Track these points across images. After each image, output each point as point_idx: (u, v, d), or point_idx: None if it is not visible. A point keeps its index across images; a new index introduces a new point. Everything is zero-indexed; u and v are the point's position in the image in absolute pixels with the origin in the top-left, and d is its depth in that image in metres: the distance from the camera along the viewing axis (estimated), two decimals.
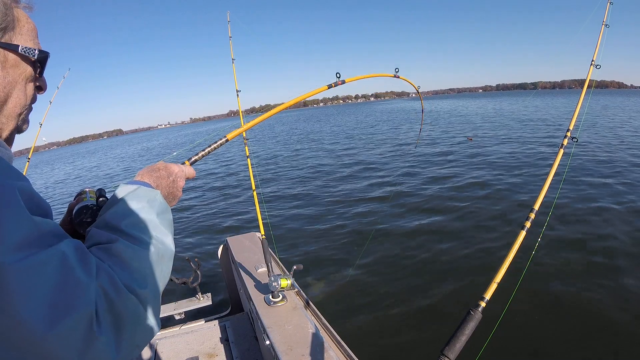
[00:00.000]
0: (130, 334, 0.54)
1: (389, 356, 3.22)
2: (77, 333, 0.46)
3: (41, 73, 0.69)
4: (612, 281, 3.98)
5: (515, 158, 10.59)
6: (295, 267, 2.19)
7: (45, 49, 0.68)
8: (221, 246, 3.25)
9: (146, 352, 2.69)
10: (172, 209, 0.77)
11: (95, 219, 0.70)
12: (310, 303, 2.16)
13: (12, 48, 0.62)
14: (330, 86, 1.44)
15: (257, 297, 2.24)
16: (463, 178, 8.58)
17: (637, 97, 58.10)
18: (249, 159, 2.72)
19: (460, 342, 1.08)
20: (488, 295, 1.17)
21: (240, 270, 2.62)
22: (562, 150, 1.57)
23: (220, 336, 2.88)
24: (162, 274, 0.66)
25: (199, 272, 2.83)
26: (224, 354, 2.69)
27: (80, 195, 0.84)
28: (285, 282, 2.10)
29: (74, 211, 0.79)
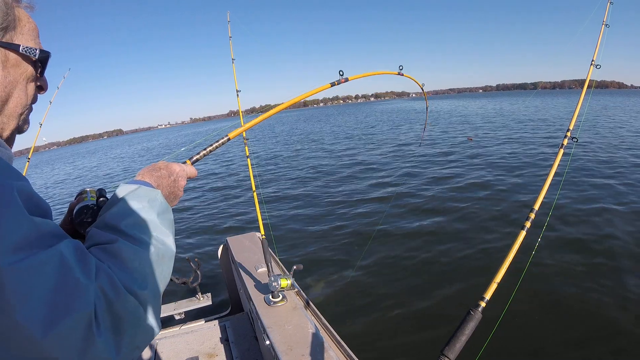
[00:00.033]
0: (130, 336, 0.53)
1: (389, 356, 3.22)
2: (76, 334, 0.46)
3: (42, 73, 0.69)
4: (613, 281, 3.98)
5: (515, 158, 10.58)
6: (295, 267, 2.19)
7: (46, 49, 0.68)
8: (221, 246, 3.25)
9: (146, 352, 2.69)
10: (172, 209, 0.77)
11: (95, 219, 0.69)
12: (310, 303, 2.16)
13: (13, 48, 0.62)
14: (333, 84, 1.43)
15: (257, 297, 2.24)
16: (463, 178, 8.57)
17: (638, 97, 58.11)
18: (248, 159, 2.72)
19: (460, 342, 1.08)
20: (488, 295, 1.17)
21: (240, 270, 2.62)
22: (562, 150, 1.57)
23: (220, 336, 2.88)
24: (163, 274, 0.65)
25: (199, 272, 2.83)
26: (224, 354, 2.69)
27: (81, 194, 0.84)
28: (285, 282, 2.10)
29: (75, 211, 0.79)
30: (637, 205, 6.13)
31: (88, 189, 0.84)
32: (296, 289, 2.24)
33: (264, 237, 2.51)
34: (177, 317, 2.84)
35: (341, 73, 1.41)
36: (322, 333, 1.88)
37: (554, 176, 1.48)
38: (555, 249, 4.71)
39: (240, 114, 2.75)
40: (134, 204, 0.67)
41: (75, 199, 0.84)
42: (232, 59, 2.87)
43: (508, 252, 1.25)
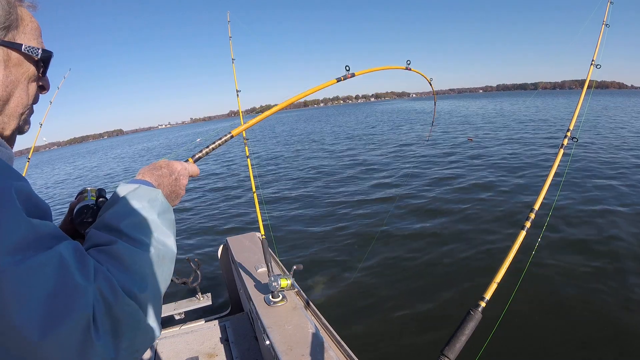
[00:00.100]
0: (129, 339, 0.53)
1: (389, 356, 3.22)
2: (74, 338, 0.45)
3: (44, 72, 0.69)
4: (614, 282, 3.98)
5: (516, 159, 10.57)
6: (295, 267, 2.19)
7: (48, 49, 0.67)
8: (221, 246, 3.25)
9: (146, 352, 2.69)
10: (173, 209, 0.76)
11: (96, 219, 0.68)
12: (310, 303, 2.16)
13: (16, 47, 0.61)
14: (339, 79, 1.39)
15: (257, 297, 2.25)
16: (464, 179, 8.56)
17: (638, 97, 58.07)
18: (249, 159, 2.73)
19: (460, 342, 1.08)
20: (488, 295, 1.17)
21: (240, 270, 2.62)
22: (562, 151, 1.57)
23: (220, 336, 2.88)
24: (163, 276, 0.64)
25: (199, 272, 2.83)
26: (224, 354, 2.69)
27: (81, 194, 0.83)
28: (285, 282, 2.11)
29: (75, 211, 0.78)
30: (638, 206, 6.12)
31: (89, 188, 0.83)
32: (296, 289, 2.24)
33: (264, 237, 2.51)
34: (177, 317, 2.84)
35: (347, 68, 1.37)
36: (322, 333, 1.88)
37: (554, 176, 1.47)
38: (556, 250, 4.71)
39: (240, 114, 2.75)
40: (134, 204, 0.65)
41: (76, 198, 0.84)
42: (232, 59, 2.88)
43: (508, 252, 1.25)
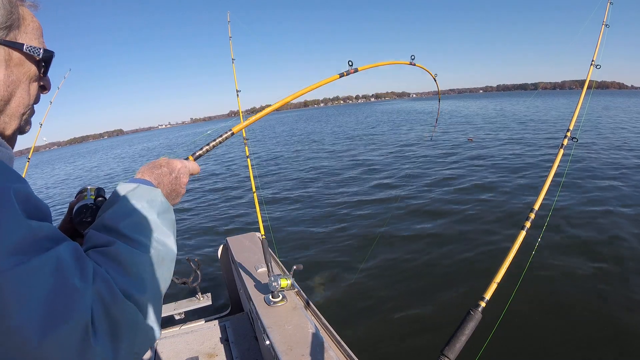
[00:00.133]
0: (128, 342, 0.52)
1: (389, 356, 3.21)
2: (72, 342, 0.45)
3: (45, 72, 0.68)
4: (614, 281, 3.98)
5: (517, 159, 10.57)
6: (295, 267, 2.19)
7: (49, 49, 0.67)
8: (221, 246, 3.25)
9: (146, 353, 2.69)
10: (174, 208, 0.75)
11: (95, 219, 0.67)
12: (310, 303, 2.16)
13: (17, 47, 0.61)
14: (342, 75, 1.35)
15: (257, 297, 2.24)
16: (464, 180, 8.57)
17: (638, 98, 58.05)
18: (249, 159, 2.72)
19: (460, 342, 1.08)
20: (488, 295, 1.16)
21: (240, 270, 2.62)
22: (562, 151, 1.57)
23: (220, 336, 2.88)
24: (163, 277, 0.63)
25: (199, 272, 2.83)
26: (224, 354, 2.69)
27: (81, 193, 0.82)
28: (285, 282, 2.10)
29: (74, 210, 0.77)
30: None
31: (89, 187, 0.82)
32: (296, 289, 2.24)
33: (264, 237, 2.51)
34: (177, 317, 2.84)
35: (350, 63, 1.34)
36: (322, 333, 1.88)
37: (554, 176, 1.47)
38: (556, 250, 4.71)
39: (241, 114, 2.75)
40: (133, 204, 0.65)
41: (75, 197, 0.83)
42: (232, 59, 2.88)
43: (508, 252, 1.25)
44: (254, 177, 2.67)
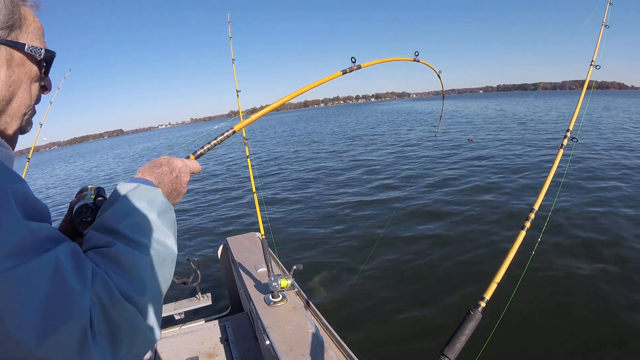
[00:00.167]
0: (128, 344, 0.51)
1: (390, 356, 3.21)
2: (70, 344, 0.44)
3: (47, 73, 0.68)
4: (614, 281, 3.98)
5: (517, 160, 10.57)
6: (295, 267, 2.19)
7: (50, 49, 0.66)
8: (221, 246, 3.25)
9: (147, 354, 2.69)
10: (174, 208, 0.74)
11: (95, 219, 0.66)
12: (310, 303, 2.16)
13: (19, 47, 0.61)
14: (344, 72, 1.34)
15: (257, 297, 2.25)
16: (465, 180, 8.56)
17: (638, 98, 58.06)
18: (249, 159, 2.72)
19: (460, 342, 1.08)
20: (488, 295, 1.17)
21: (240, 270, 2.62)
22: (562, 151, 1.57)
23: (220, 336, 2.88)
24: (164, 278, 0.62)
25: (199, 272, 2.83)
26: (224, 354, 2.69)
27: (81, 192, 0.81)
28: (285, 282, 2.11)
29: (74, 210, 0.77)
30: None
31: (89, 186, 0.82)
32: (296, 289, 2.24)
33: (264, 237, 2.51)
34: (177, 317, 2.84)
35: (353, 60, 1.32)
36: (322, 333, 1.88)
37: (554, 177, 1.48)
38: (556, 250, 4.71)
39: (240, 114, 2.75)
40: (133, 204, 0.64)
41: (76, 197, 0.82)
42: (232, 59, 2.88)
43: (508, 252, 1.25)
44: (254, 177, 2.67)
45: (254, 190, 2.59)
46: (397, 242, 5.42)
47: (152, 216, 0.65)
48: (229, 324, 3.01)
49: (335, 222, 6.54)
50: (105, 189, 0.83)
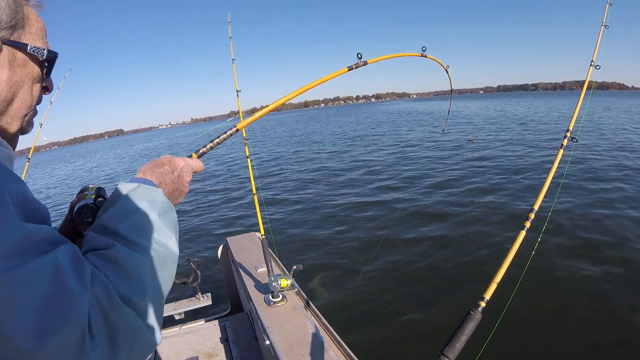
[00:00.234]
0: (127, 347, 0.51)
1: (390, 357, 3.21)
2: (68, 348, 0.44)
3: (48, 73, 0.68)
4: (614, 282, 3.98)
5: (518, 160, 10.57)
6: (295, 267, 2.19)
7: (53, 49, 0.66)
8: (221, 246, 3.25)
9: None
10: (175, 208, 0.73)
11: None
12: (310, 303, 2.16)
13: (21, 47, 0.60)
14: (350, 68, 1.32)
15: (257, 297, 2.25)
16: (465, 181, 8.55)
17: (639, 98, 58.04)
18: (249, 159, 2.73)
19: (460, 342, 1.08)
20: (488, 295, 1.17)
21: (240, 270, 2.62)
22: (561, 151, 1.57)
23: (220, 336, 2.88)
24: (165, 280, 0.61)
25: (199, 272, 2.83)
26: (224, 354, 2.69)
27: (82, 192, 0.80)
28: (285, 282, 2.11)
29: (75, 210, 0.76)
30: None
31: (90, 186, 0.81)
32: (296, 289, 2.24)
33: (264, 237, 2.51)
34: (177, 317, 2.84)
35: (359, 56, 1.30)
36: (322, 333, 1.88)
37: (555, 177, 1.48)
38: (557, 250, 4.70)
39: (241, 114, 2.75)
40: (133, 205, 0.63)
41: (77, 197, 0.81)
42: (233, 60, 2.88)
43: (508, 252, 1.25)
44: (255, 177, 2.67)
45: (254, 191, 2.59)
46: (398, 243, 5.41)
47: (153, 217, 0.64)
48: (229, 324, 3.01)
49: (336, 223, 6.53)
50: (105, 189, 0.82)
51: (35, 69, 0.64)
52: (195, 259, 2.87)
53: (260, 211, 2.57)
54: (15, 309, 0.41)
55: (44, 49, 0.64)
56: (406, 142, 16.59)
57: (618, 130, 16.02)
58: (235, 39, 2.90)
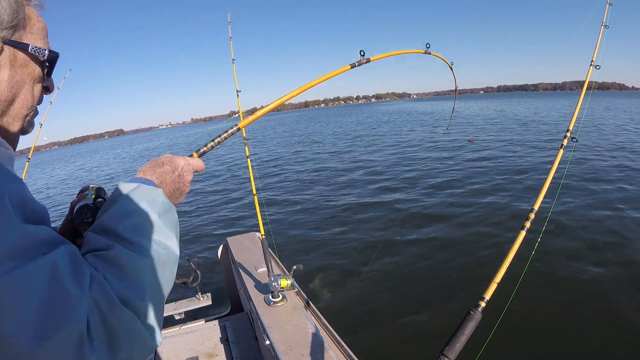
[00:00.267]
0: (127, 350, 0.50)
1: (390, 357, 3.21)
2: (66, 351, 0.43)
3: (49, 74, 0.67)
4: (614, 282, 3.98)
5: (519, 160, 10.56)
6: (295, 267, 2.19)
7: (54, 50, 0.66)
8: (221, 246, 3.25)
9: None
10: (176, 208, 0.72)
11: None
12: (310, 303, 2.16)
13: (22, 47, 0.60)
14: (353, 65, 1.29)
15: (257, 297, 2.25)
16: (466, 182, 8.53)
17: (639, 99, 58.03)
18: (249, 159, 2.72)
19: (460, 342, 1.08)
20: (488, 295, 1.17)
21: (240, 270, 2.62)
22: (562, 151, 1.57)
23: (220, 336, 2.88)
24: (165, 281, 0.61)
25: (199, 272, 2.83)
26: (224, 354, 2.69)
27: (83, 192, 0.80)
28: (285, 282, 2.10)
29: (75, 210, 0.75)
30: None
31: (91, 186, 0.80)
32: (296, 289, 2.24)
33: (264, 237, 2.51)
34: (177, 317, 2.84)
35: (362, 53, 1.28)
36: (322, 333, 1.88)
37: (555, 177, 1.48)
38: (557, 250, 4.70)
39: (240, 114, 2.75)
40: (133, 205, 0.62)
41: (77, 196, 0.81)
42: (233, 60, 2.88)
43: (508, 252, 1.25)
44: (255, 178, 2.67)
45: (254, 191, 2.59)
46: (399, 244, 5.41)
47: (153, 217, 0.63)
48: (229, 324, 3.01)
49: (336, 224, 6.52)
50: (106, 189, 0.82)
51: (37, 69, 0.64)
52: (196, 259, 2.87)
53: (260, 212, 2.57)
54: (12, 311, 0.41)
55: (45, 49, 0.63)
56: (407, 143, 16.59)
57: (619, 131, 16.01)
58: (236, 38, 2.90)
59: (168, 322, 2.98)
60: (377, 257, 4.81)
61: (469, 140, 15.13)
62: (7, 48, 0.58)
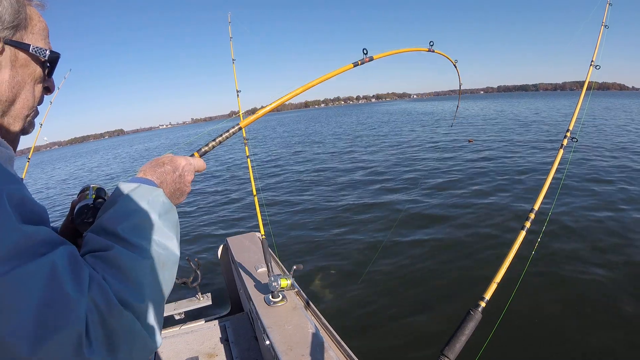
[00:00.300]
0: (126, 352, 0.50)
1: (389, 357, 3.21)
2: (65, 353, 0.43)
3: (50, 74, 0.67)
4: (614, 282, 3.97)
5: (519, 160, 10.55)
6: (295, 267, 2.19)
7: (55, 50, 0.66)
8: (221, 246, 3.25)
9: None
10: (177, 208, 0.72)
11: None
12: (310, 303, 2.16)
13: (23, 47, 0.60)
14: (356, 64, 1.29)
15: (257, 297, 2.25)
16: (466, 182, 8.51)
17: (639, 99, 58.01)
18: (249, 159, 2.72)
19: (460, 342, 1.08)
20: (488, 295, 1.17)
21: (240, 270, 2.62)
22: (562, 151, 1.57)
23: (220, 336, 2.88)
24: (165, 282, 0.60)
25: (199, 272, 2.83)
26: (224, 354, 2.69)
27: (83, 192, 0.80)
28: (285, 282, 2.11)
29: (75, 211, 0.75)
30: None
31: (91, 186, 0.80)
32: (296, 289, 2.24)
33: (264, 237, 2.51)
34: (177, 317, 2.84)
35: (365, 52, 1.27)
36: (322, 333, 1.88)
37: (555, 177, 1.48)
38: (557, 250, 4.70)
39: (241, 114, 2.75)
40: (133, 205, 0.62)
41: (77, 196, 0.80)
42: (233, 60, 2.88)
43: (508, 252, 1.25)
44: (255, 178, 2.67)
45: (254, 192, 2.59)
46: (400, 245, 5.40)
47: (153, 217, 0.62)
48: (229, 324, 3.01)
49: (336, 225, 6.51)
50: (106, 189, 0.82)
51: (37, 70, 0.64)
52: (196, 259, 2.87)
53: (261, 212, 2.57)
54: (10, 312, 0.41)
55: (46, 50, 0.63)
56: (407, 143, 16.58)
57: (620, 132, 16.00)
58: (237, 39, 2.90)
59: (168, 322, 2.98)
60: (377, 258, 4.79)
61: (468, 141, 15.12)
62: (8, 48, 0.58)
